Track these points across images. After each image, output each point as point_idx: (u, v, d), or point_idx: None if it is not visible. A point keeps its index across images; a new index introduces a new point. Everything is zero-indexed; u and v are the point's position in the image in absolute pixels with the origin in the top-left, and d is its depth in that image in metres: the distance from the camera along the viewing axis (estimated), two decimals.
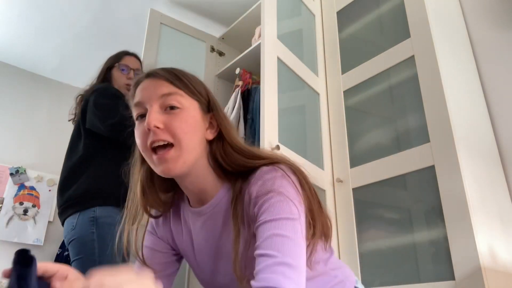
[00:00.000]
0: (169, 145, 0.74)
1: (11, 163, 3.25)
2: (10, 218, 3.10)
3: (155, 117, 0.74)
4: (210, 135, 0.80)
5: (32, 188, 3.27)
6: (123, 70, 1.81)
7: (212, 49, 2.69)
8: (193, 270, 0.92)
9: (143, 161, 0.83)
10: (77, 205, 1.54)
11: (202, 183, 0.81)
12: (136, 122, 0.80)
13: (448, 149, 1.33)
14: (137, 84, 0.82)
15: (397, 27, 1.69)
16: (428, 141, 1.41)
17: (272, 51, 1.66)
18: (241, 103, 2.14)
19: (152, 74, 0.80)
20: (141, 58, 2.40)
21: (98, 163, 1.62)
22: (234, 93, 2.38)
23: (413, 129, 1.54)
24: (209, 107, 0.82)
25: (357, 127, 1.76)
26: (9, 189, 3.18)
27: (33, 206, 3.22)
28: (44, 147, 3.45)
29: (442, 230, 1.28)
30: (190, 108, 0.78)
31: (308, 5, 2.06)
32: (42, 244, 3.16)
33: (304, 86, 1.86)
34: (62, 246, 3.17)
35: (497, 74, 1.62)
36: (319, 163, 1.75)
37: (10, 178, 3.20)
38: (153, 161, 0.76)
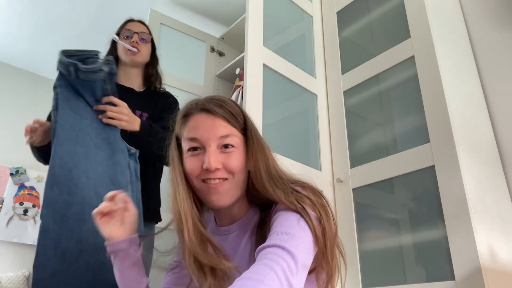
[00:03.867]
0: (223, 179, 0.80)
1: (11, 163, 3.25)
2: (10, 218, 3.10)
3: (215, 159, 0.79)
4: (252, 166, 0.83)
5: (32, 188, 3.27)
6: (127, 37, 1.65)
7: (212, 49, 2.69)
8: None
9: (187, 188, 0.84)
10: None
11: (238, 208, 0.86)
12: (187, 154, 0.83)
13: (448, 149, 1.33)
14: (189, 114, 0.84)
15: (397, 27, 1.69)
16: (428, 141, 1.41)
17: (256, 58, 1.66)
18: (241, 104, 2.14)
19: (209, 111, 0.82)
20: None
21: None
22: (234, 94, 2.38)
23: (413, 129, 1.54)
24: (246, 133, 0.85)
25: (357, 127, 1.76)
26: (9, 189, 3.18)
27: (33, 206, 3.22)
28: None
29: (442, 230, 1.28)
30: (241, 145, 0.83)
31: (304, 8, 2.06)
32: None
33: (300, 90, 1.86)
34: None
35: (497, 74, 1.63)
36: (316, 164, 1.75)
37: (10, 178, 3.21)
38: (202, 189, 0.81)
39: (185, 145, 0.83)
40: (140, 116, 1.53)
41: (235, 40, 2.69)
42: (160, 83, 1.76)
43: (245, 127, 0.85)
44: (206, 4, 2.79)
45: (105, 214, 0.88)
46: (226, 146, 0.80)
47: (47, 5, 2.79)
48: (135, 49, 1.61)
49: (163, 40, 2.51)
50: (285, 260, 0.63)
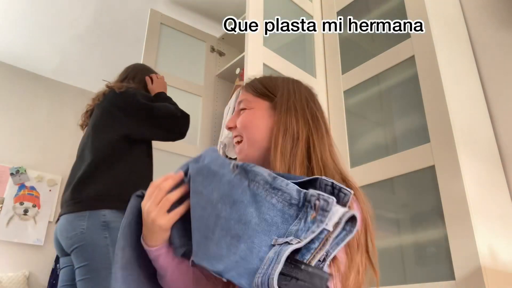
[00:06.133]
0: (241, 140, 0.88)
1: (11, 163, 3.25)
2: (11, 218, 3.11)
3: (229, 120, 0.92)
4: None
5: (33, 188, 3.28)
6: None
7: (212, 49, 2.69)
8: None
9: None
10: (89, 205, 1.48)
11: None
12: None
13: (448, 149, 1.33)
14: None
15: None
16: (428, 141, 1.41)
17: (256, 58, 1.66)
18: None
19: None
20: (142, 58, 2.40)
21: (123, 164, 1.59)
22: (235, 93, 2.38)
23: (413, 129, 1.54)
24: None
25: (357, 127, 1.76)
26: (10, 189, 3.18)
27: (34, 206, 3.22)
28: (44, 147, 3.45)
29: (442, 230, 1.28)
30: (256, 107, 0.89)
31: (304, 8, 2.06)
32: (42, 244, 3.17)
33: None
34: None
35: (498, 74, 1.62)
36: None
37: (10, 178, 3.21)
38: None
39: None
40: None
41: (235, 40, 2.69)
42: None
43: (271, 94, 0.89)
44: (206, 4, 2.79)
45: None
46: (242, 110, 0.89)
47: (47, 5, 2.79)
48: None
49: (163, 40, 2.51)
50: None
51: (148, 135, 1.73)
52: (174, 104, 1.85)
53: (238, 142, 0.88)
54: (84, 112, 1.84)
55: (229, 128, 0.90)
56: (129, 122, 1.66)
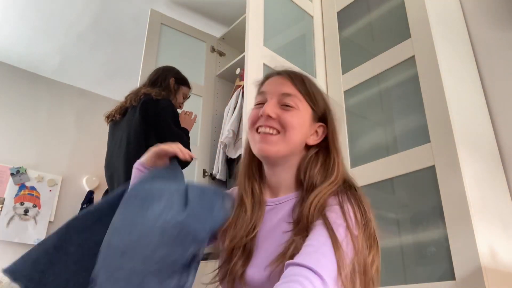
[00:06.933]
0: (275, 133, 0.85)
1: (11, 163, 3.25)
2: (11, 218, 3.11)
3: (271, 108, 0.84)
4: (312, 141, 0.88)
5: (33, 188, 3.28)
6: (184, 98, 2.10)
7: (213, 49, 2.70)
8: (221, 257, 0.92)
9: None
10: None
11: (283, 178, 0.88)
12: (253, 108, 0.90)
13: (449, 149, 1.33)
14: (267, 77, 0.93)
15: (398, 27, 1.69)
16: (429, 141, 1.41)
17: (256, 58, 1.67)
18: (242, 104, 2.14)
19: (281, 73, 0.91)
20: (142, 58, 2.41)
21: None
22: (235, 93, 2.38)
23: (413, 129, 1.54)
24: (323, 118, 0.90)
25: (358, 127, 1.77)
26: (10, 189, 3.18)
27: (34, 206, 3.22)
28: (44, 147, 3.45)
29: (443, 230, 1.28)
30: (303, 111, 0.86)
31: (305, 8, 2.06)
32: None
33: None
34: None
35: (498, 74, 1.62)
36: None
37: (10, 178, 3.21)
38: (254, 139, 0.87)
39: (255, 102, 0.91)
40: None
41: (235, 40, 2.69)
42: None
43: (323, 115, 0.89)
44: (206, 4, 2.79)
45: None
46: (287, 105, 0.85)
47: (47, 5, 2.79)
48: None
49: (164, 40, 2.51)
50: (313, 284, 0.62)
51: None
52: (187, 142, 1.90)
53: (270, 134, 0.84)
54: (116, 108, 1.91)
55: (268, 117, 0.85)
56: (151, 136, 1.74)
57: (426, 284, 1.27)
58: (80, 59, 3.39)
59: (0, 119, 3.32)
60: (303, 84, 0.88)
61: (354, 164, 1.67)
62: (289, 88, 0.87)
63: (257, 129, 0.86)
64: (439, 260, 1.29)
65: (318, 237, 0.70)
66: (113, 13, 2.87)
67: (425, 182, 1.41)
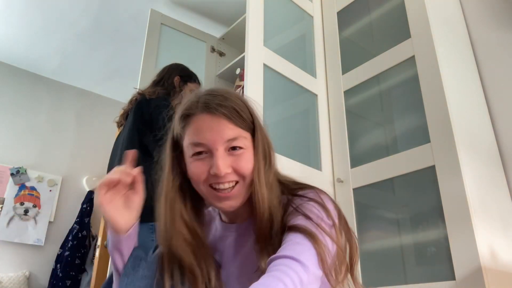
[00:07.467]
0: (234, 185, 0.76)
1: (12, 163, 3.25)
2: (11, 218, 3.11)
3: (224, 163, 0.74)
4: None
5: (33, 188, 3.28)
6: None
7: (213, 49, 2.69)
8: None
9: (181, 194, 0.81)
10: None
11: (240, 210, 0.81)
12: (192, 159, 0.77)
13: (449, 149, 1.33)
14: (190, 115, 0.78)
15: (398, 27, 1.69)
16: (429, 141, 1.41)
17: (256, 58, 1.67)
18: None
19: (211, 111, 0.76)
20: (142, 59, 2.40)
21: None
22: None
23: (413, 129, 1.54)
24: (253, 132, 0.81)
25: (358, 127, 1.77)
26: (10, 189, 3.18)
27: (34, 206, 3.23)
28: (44, 147, 3.46)
29: (443, 230, 1.28)
30: (250, 146, 0.78)
31: (305, 8, 2.06)
32: (42, 245, 3.17)
33: (300, 90, 1.86)
34: (63, 246, 3.17)
35: (498, 74, 1.62)
36: (317, 164, 1.75)
37: (10, 178, 3.21)
38: (211, 196, 0.77)
39: (189, 150, 0.78)
40: None
41: (235, 40, 2.69)
42: None
43: (253, 125, 0.80)
44: (206, 4, 2.79)
45: (112, 186, 0.75)
46: (234, 148, 0.76)
47: (47, 5, 2.79)
48: None
49: (163, 40, 2.51)
50: (296, 272, 0.62)
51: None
52: None
53: (230, 188, 0.76)
54: (121, 113, 1.93)
55: (224, 174, 0.75)
56: (147, 134, 1.71)
57: (426, 284, 1.27)
58: (80, 59, 3.39)
59: (0, 119, 3.32)
60: (239, 116, 0.77)
61: (354, 164, 1.67)
62: (232, 130, 0.75)
63: (209, 185, 0.77)
64: (439, 260, 1.30)
65: (291, 237, 0.70)
66: (113, 13, 2.87)
67: (425, 182, 1.41)
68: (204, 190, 0.78)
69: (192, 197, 0.82)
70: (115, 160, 1.84)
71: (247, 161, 0.76)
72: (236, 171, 0.76)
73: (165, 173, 0.82)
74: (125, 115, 1.90)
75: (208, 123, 0.76)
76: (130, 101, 1.88)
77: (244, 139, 0.77)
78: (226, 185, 0.75)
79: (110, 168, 1.89)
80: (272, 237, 0.74)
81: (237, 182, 0.76)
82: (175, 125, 0.82)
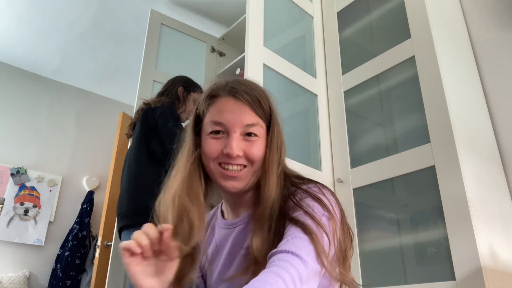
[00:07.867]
0: (242, 168, 0.80)
1: (12, 164, 3.25)
2: (11, 219, 3.11)
3: (238, 146, 0.79)
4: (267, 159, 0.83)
5: (33, 188, 3.28)
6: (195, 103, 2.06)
7: (213, 50, 2.69)
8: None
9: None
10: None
11: (246, 196, 0.85)
12: (209, 136, 0.81)
13: (449, 149, 1.33)
14: (216, 96, 0.83)
15: (398, 28, 1.70)
16: (429, 141, 1.41)
17: (256, 58, 1.67)
18: None
19: (237, 96, 0.81)
20: (142, 59, 2.41)
21: (149, 181, 1.71)
22: None
23: (413, 129, 1.54)
24: (269, 121, 0.84)
25: (358, 127, 1.77)
26: (10, 189, 3.18)
27: (34, 206, 3.23)
28: (45, 147, 3.45)
29: (443, 230, 1.28)
30: (264, 136, 0.82)
31: (305, 8, 2.06)
32: (42, 245, 3.17)
33: (300, 90, 1.86)
34: (63, 246, 3.17)
35: (498, 74, 1.63)
36: (317, 164, 1.75)
37: (11, 179, 3.21)
38: (219, 174, 0.81)
39: (208, 127, 0.82)
40: None
41: (235, 40, 2.69)
42: None
43: (270, 118, 0.84)
44: (206, 4, 2.79)
45: (136, 254, 0.66)
46: (249, 134, 0.80)
47: (47, 6, 2.79)
48: None
49: (164, 40, 2.51)
50: (295, 267, 0.62)
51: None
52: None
53: (238, 170, 0.80)
54: (129, 124, 2.01)
55: (235, 157, 0.79)
56: (154, 140, 1.79)
57: (426, 284, 1.28)
58: (80, 59, 3.39)
59: (0, 119, 3.32)
60: (260, 107, 0.82)
61: (354, 164, 1.67)
62: (252, 117, 0.80)
63: (219, 163, 0.80)
64: (439, 260, 1.30)
65: (292, 232, 0.71)
66: (113, 13, 2.87)
67: (425, 182, 1.41)
68: (213, 167, 0.81)
69: (203, 174, 0.86)
70: (124, 168, 1.91)
71: (259, 149, 0.80)
72: (246, 156, 0.80)
73: (185, 144, 0.87)
74: (132, 126, 1.97)
75: (232, 106, 0.81)
76: (137, 112, 1.95)
77: (260, 128, 0.81)
78: (235, 167, 0.79)
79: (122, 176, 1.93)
80: (268, 220, 0.76)
81: (245, 166, 0.80)
82: (200, 102, 0.87)
